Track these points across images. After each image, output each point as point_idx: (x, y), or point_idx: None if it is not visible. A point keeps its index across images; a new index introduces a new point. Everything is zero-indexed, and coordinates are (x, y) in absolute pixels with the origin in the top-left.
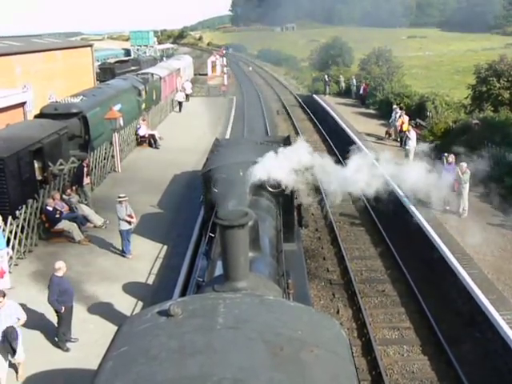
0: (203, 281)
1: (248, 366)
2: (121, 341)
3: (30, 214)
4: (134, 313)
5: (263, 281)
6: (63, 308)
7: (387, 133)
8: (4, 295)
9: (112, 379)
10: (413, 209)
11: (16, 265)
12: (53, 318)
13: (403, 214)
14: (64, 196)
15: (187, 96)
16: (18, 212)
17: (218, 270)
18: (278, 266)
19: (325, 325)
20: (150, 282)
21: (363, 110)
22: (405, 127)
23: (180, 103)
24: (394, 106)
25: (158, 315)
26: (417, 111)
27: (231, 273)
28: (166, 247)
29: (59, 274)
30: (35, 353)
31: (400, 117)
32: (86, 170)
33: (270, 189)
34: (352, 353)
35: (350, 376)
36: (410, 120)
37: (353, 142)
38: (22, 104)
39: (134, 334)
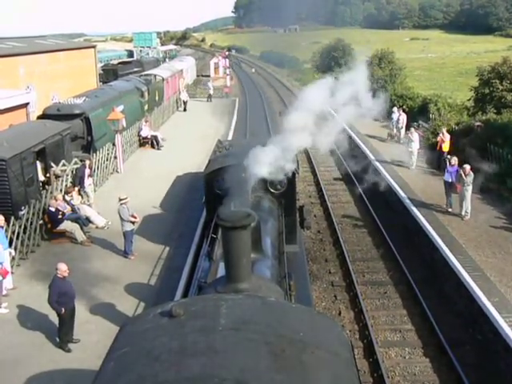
0: (205, 282)
1: (249, 368)
2: (123, 341)
3: (33, 214)
4: (136, 314)
5: (265, 282)
6: (63, 309)
7: (389, 135)
8: None
9: (114, 380)
10: (415, 210)
11: (18, 265)
12: (55, 318)
13: (406, 216)
14: (66, 197)
15: (210, 96)
16: (20, 212)
17: (220, 272)
18: (280, 268)
19: (326, 326)
20: (152, 283)
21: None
22: (445, 147)
23: (185, 102)
24: (394, 108)
25: (159, 316)
26: (419, 113)
27: (233, 274)
28: (168, 248)
29: (61, 275)
30: (37, 353)
31: (440, 134)
32: (88, 170)
33: (272, 190)
34: (353, 354)
35: (352, 377)
36: (412, 122)
37: (355, 144)
38: (25, 105)
39: (136, 335)
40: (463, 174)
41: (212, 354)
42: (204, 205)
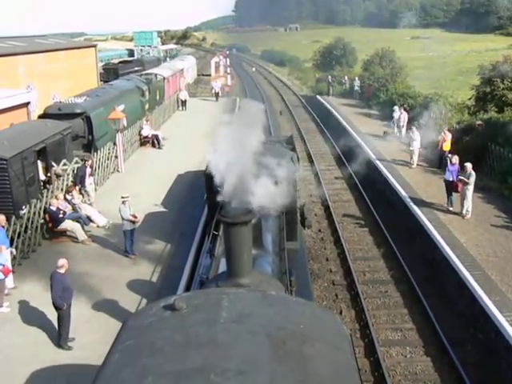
0: (207, 278)
1: (251, 359)
2: (126, 334)
3: (34, 213)
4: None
5: (266, 278)
6: (65, 305)
7: (385, 133)
8: None
9: (118, 371)
10: (416, 209)
11: (20, 264)
12: (54, 316)
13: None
14: (67, 196)
15: (217, 95)
16: (21, 212)
17: (222, 268)
18: (281, 264)
19: (326, 319)
20: (154, 281)
21: (366, 110)
22: (446, 147)
23: (183, 102)
24: (395, 107)
25: (162, 309)
26: (420, 112)
27: (235, 269)
28: (169, 246)
29: (61, 270)
30: (38, 351)
31: (441, 133)
32: (89, 170)
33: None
34: (353, 347)
35: (351, 369)
36: (413, 121)
37: (357, 143)
38: (26, 104)
39: (140, 328)
40: (465, 173)
41: (214, 345)
42: (205, 203)
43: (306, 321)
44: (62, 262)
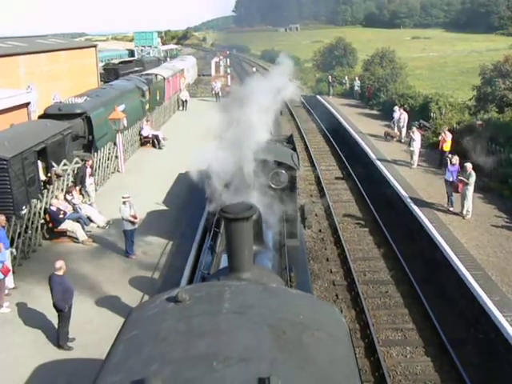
0: (208, 273)
1: (252, 347)
2: (131, 326)
3: (34, 214)
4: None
5: (267, 272)
6: (66, 307)
7: (386, 134)
8: None
9: (124, 360)
10: (416, 209)
11: (20, 265)
12: (54, 317)
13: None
14: (67, 196)
15: (217, 95)
16: (21, 212)
17: (223, 264)
18: (281, 260)
19: (325, 311)
20: (154, 281)
21: (367, 110)
22: (446, 147)
23: (184, 102)
24: (395, 107)
25: (166, 301)
26: (420, 112)
27: (236, 264)
28: (170, 245)
29: (59, 273)
30: (38, 352)
31: (442, 134)
32: (89, 170)
33: (273, 185)
34: (351, 337)
35: (349, 359)
36: (413, 121)
37: (356, 143)
38: (26, 104)
39: (144, 319)
40: (465, 173)
41: (217, 334)
42: (207, 201)
43: (305, 312)
44: (60, 263)
